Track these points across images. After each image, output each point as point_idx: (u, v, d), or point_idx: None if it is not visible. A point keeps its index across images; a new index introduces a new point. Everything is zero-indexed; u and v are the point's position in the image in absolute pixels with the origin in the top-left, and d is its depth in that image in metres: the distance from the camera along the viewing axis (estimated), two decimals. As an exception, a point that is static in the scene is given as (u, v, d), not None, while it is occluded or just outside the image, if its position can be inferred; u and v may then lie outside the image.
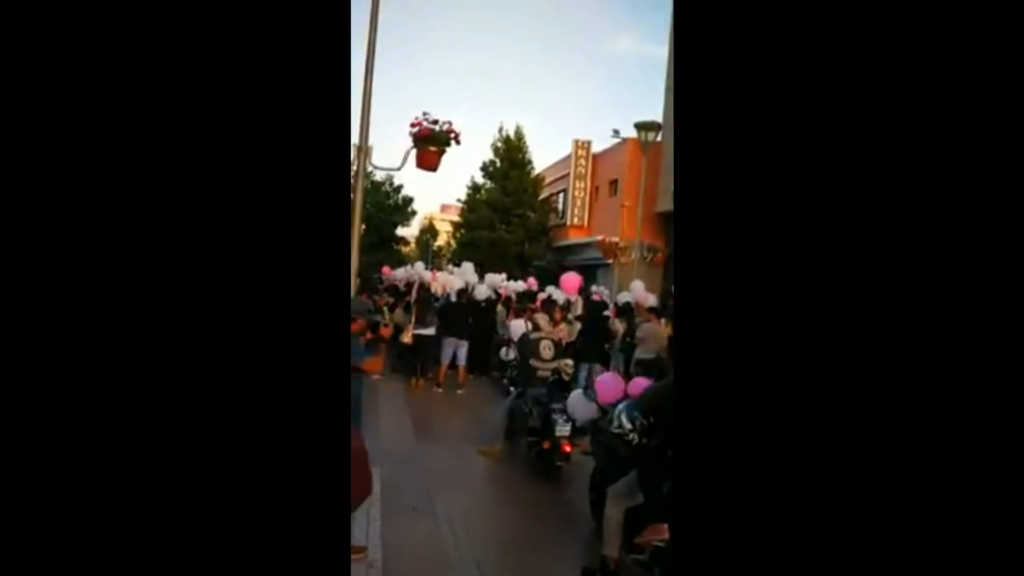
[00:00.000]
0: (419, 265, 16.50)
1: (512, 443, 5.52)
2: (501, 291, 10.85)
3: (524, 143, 22.13)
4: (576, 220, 20.46)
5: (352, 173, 4.84)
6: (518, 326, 8.23)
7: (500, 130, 22.31)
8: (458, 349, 8.48)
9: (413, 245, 21.64)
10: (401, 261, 19.67)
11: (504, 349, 8.43)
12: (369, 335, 3.85)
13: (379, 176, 19.68)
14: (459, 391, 8.34)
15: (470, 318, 8.84)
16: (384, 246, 19.75)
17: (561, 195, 22.31)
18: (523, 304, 9.30)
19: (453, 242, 29.77)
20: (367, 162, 4.83)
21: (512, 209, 21.13)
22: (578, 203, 20.55)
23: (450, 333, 8.44)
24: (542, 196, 22.15)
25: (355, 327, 3.53)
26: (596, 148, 20.71)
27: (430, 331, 8.51)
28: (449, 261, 25.97)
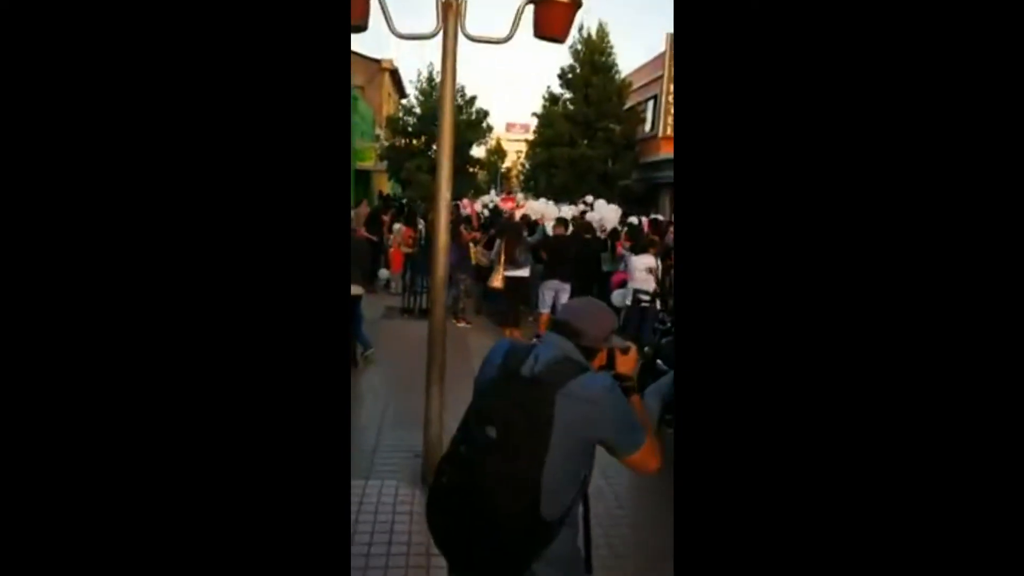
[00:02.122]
0: (492, 193, 14.75)
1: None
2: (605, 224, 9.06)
3: (608, 43, 19.16)
4: (669, 131, 17.80)
5: (440, 39, 3.08)
6: (643, 263, 6.48)
7: (580, 29, 19.43)
8: (559, 294, 6.89)
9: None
10: (477, 188, 17.81)
11: (620, 292, 6.75)
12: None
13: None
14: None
15: (573, 255, 7.14)
16: (458, 170, 17.32)
17: (651, 103, 19.46)
18: (638, 237, 7.54)
19: (525, 163, 27.58)
20: (459, 26, 3.05)
21: (595, 121, 18.60)
22: (672, 110, 17.78)
23: (551, 274, 6.83)
24: (628, 105, 19.39)
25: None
26: (694, 43, 17.61)
27: (524, 272, 6.93)
28: (522, 186, 23.94)
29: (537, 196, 16.39)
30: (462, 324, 7.46)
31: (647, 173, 18.44)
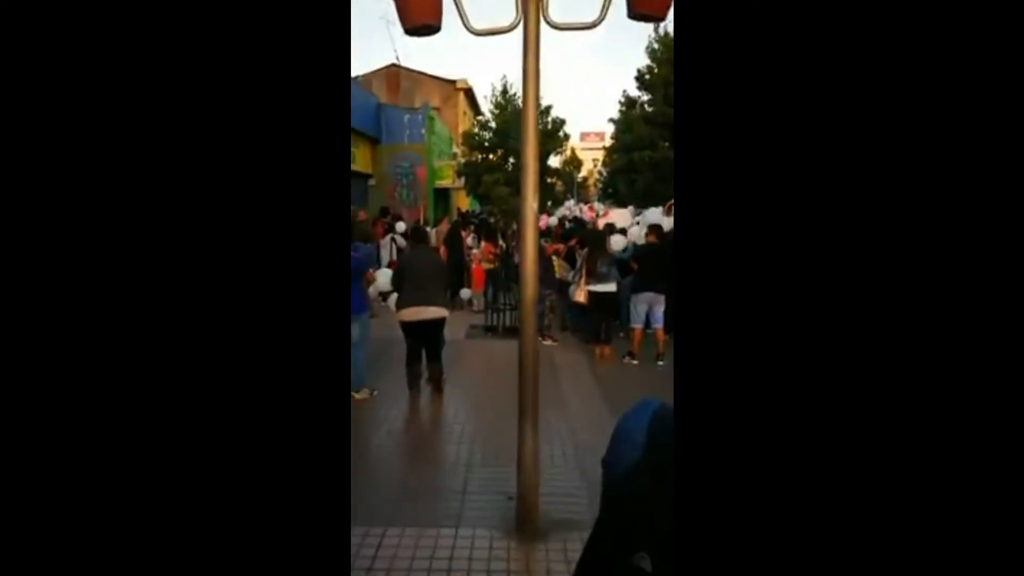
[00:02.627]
0: (570, 203, 14.23)
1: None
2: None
3: (686, 39, 18.33)
4: (759, 125, 16.62)
5: (522, 32, 2.73)
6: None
7: (656, 28, 18.68)
8: (654, 306, 6.32)
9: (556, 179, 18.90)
10: (554, 199, 17.41)
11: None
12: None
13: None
14: (659, 363, 6.25)
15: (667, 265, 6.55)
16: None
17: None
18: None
19: (602, 171, 26.94)
20: (541, 14, 2.69)
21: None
22: (761, 104, 16.61)
23: (644, 286, 6.28)
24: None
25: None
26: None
27: (609, 286, 6.42)
28: (600, 194, 23.31)
29: (618, 203, 15.77)
30: (548, 342, 7.06)
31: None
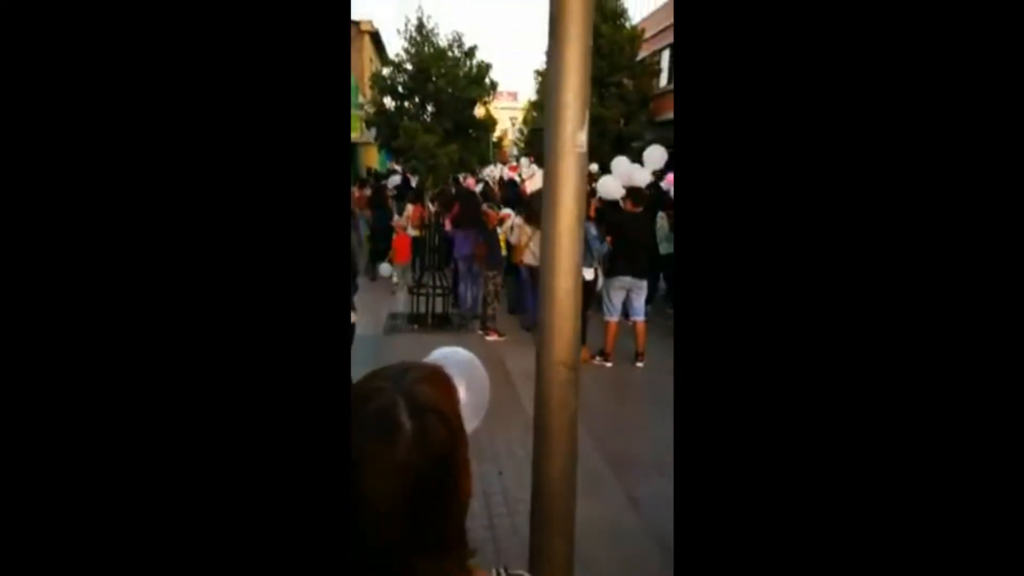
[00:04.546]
0: (524, 162, 12.39)
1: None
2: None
3: (616, -15, 16.81)
4: (693, 84, 15.69)
5: None
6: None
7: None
8: (632, 294, 5.01)
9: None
10: (483, 156, 15.31)
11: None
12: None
13: (444, 35, 13.21)
14: (638, 363, 4.98)
15: (646, 243, 5.23)
16: (459, 134, 13.38)
17: (665, 53, 17.28)
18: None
19: (522, 129, 25.29)
20: None
21: (607, 76, 16.37)
22: (695, 60, 15.64)
23: (622, 267, 4.92)
24: (639, 56, 17.15)
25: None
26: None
27: (588, 273, 4.98)
28: (522, 154, 21.69)
29: (540, 163, 14.26)
30: (492, 337, 5.55)
31: (664, 132, 16.38)
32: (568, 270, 1.36)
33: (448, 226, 6.26)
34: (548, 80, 1.35)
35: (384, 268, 7.50)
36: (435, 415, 0.59)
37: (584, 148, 1.31)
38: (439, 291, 5.99)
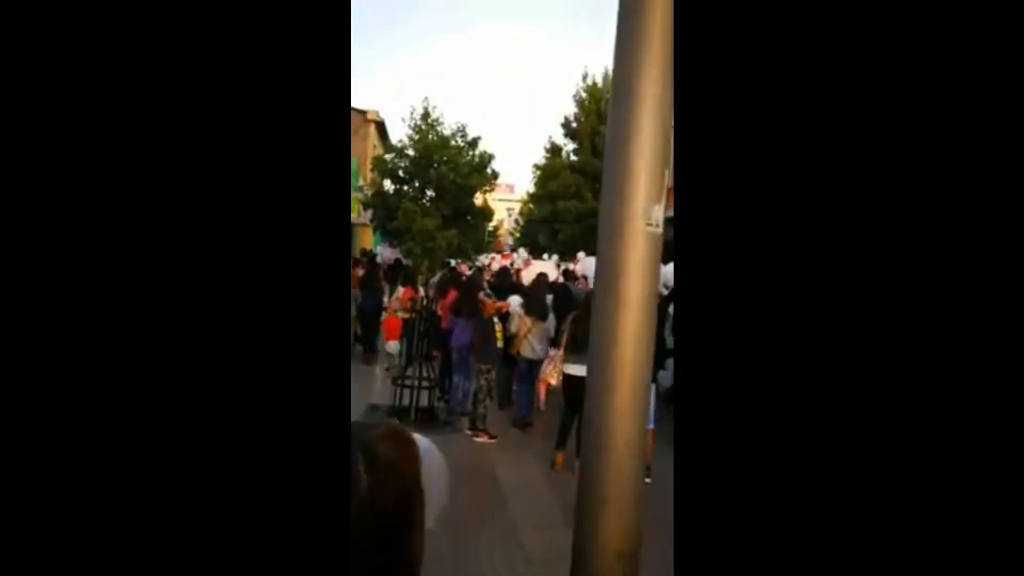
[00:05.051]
0: (522, 252, 12.17)
1: None
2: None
3: (615, 91, 17.67)
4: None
5: None
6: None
7: (584, 77, 17.96)
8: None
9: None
10: (479, 243, 15.11)
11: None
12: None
13: (448, 124, 13.23)
14: (647, 479, 4.41)
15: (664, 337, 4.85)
16: (459, 220, 13.13)
17: (662, 156, 17.88)
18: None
19: (518, 220, 25.68)
20: None
21: (602, 173, 16.75)
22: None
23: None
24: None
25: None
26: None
27: (583, 370, 4.55)
28: (517, 244, 21.81)
29: (538, 254, 14.12)
30: (483, 439, 4.97)
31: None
32: (632, 385, 0.94)
33: (442, 312, 5.86)
34: (612, 141, 1.01)
35: (391, 346, 7.16)
36: (392, 471, 0.59)
37: (660, 227, 0.94)
38: (425, 383, 5.46)
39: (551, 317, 5.54)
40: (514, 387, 5.92)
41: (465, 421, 5.21)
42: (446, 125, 13.19)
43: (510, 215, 31.28)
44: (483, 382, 5.00)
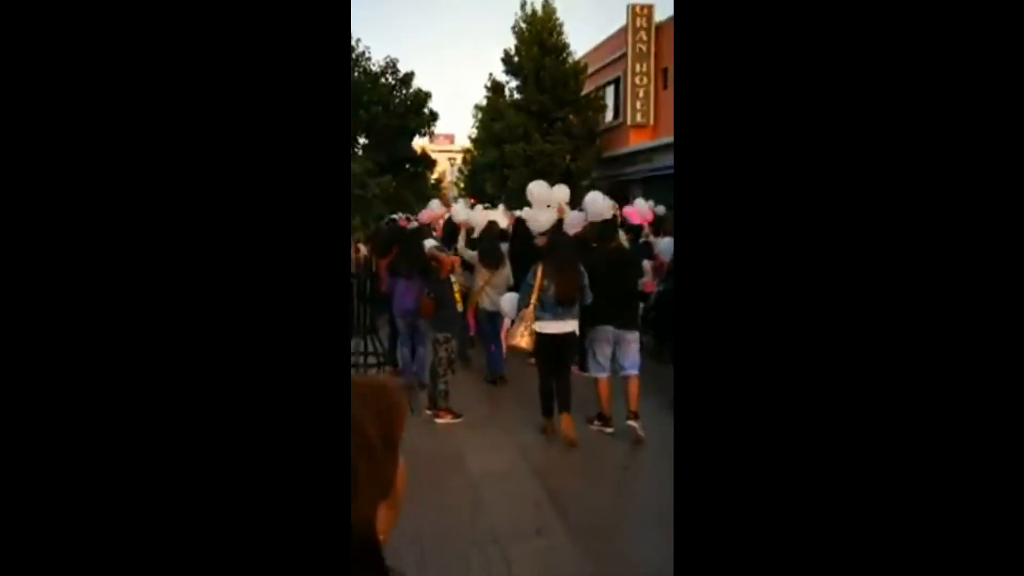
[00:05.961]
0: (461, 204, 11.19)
1: None
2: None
3: (556, 19, 16.38)
4: (639, 118, 15.27)
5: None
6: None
7: (523, 6, 16.58)
8: (621, 348, 3.92)
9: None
10: (423, 194, 13.88)
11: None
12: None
13: (376, 60, 11.86)
14: (630, 422, 3.83)
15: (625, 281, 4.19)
16: (395, 168, 11.97)
17: (611, 88, 16.92)
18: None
19: (463, 169, 24.35)
20: None
21: (552, 111, 15.75)
22: (640, 94, 15.26)
23: (605, 316, 3.84)
24: (584, 91, 16.71)
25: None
26: (660, 17, 15.22)
27: (567, 325, 3.83)
28: (461, 193, 20.65)
29: (486, 202, 13.15)
30: (445, 419, 4.26)
31: (614, 168, 15.83)
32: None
33: (383, 274, 5.01)
34: None
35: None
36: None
37: None
38: (374, 359, 4.68)
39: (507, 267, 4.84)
40: (470, 348, 5.26)
41: (423, 398, 4.47)
42: (374, 61, 11.74)
43: (452, 165, 29.74)
44: (442, 354, 4.24)
